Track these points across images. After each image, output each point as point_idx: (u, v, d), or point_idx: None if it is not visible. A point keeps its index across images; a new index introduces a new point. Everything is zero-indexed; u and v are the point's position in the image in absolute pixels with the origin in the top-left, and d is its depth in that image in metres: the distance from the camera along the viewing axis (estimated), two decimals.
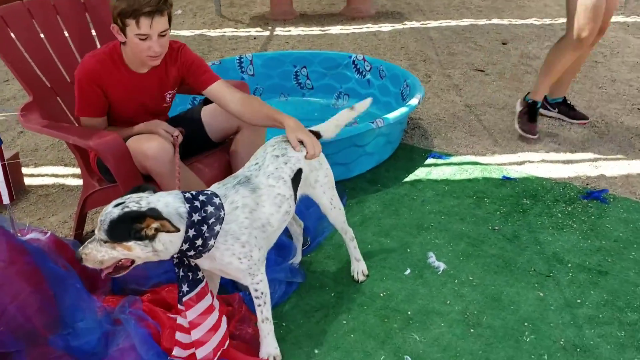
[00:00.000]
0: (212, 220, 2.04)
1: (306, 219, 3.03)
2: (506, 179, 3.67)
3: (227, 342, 2.26)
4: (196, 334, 2.17)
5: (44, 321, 2.39)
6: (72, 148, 2.84)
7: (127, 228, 1.92)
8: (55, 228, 3.28)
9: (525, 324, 2.48)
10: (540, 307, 2.57)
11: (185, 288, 2.14)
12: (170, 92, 2.79)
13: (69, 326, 2.38)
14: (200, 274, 2.17)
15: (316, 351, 2.37)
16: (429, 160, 3.94)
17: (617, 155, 3.95)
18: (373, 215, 3.31)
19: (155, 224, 1.91)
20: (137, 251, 1.96)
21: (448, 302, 2.62)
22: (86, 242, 1.98)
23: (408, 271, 2.83)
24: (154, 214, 1.92)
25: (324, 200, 2.60)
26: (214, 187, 2.23)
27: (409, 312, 2.56)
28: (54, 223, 3.34)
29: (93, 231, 3.16)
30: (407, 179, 3.71)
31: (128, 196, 1.99)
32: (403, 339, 2.42)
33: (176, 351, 2.22)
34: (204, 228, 2.03)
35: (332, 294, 2.69)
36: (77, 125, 2.90)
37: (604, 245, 2.99)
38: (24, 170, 3.87)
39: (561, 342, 2.37)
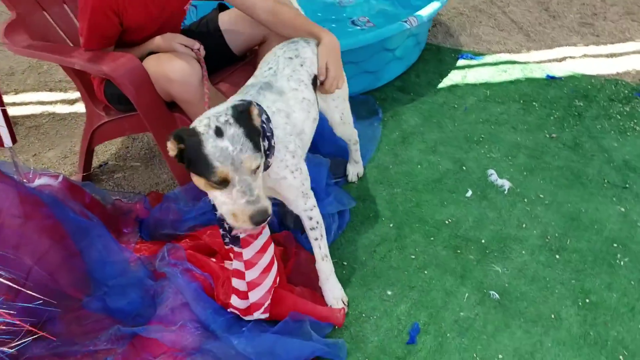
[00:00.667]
0: (268, 129, 1.71)
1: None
2: (550, 78, 3.31)
3: (278, 279, 1.95)
4: (250, 275, 1.86)
5: (72, 280, 2.05)
6: (71, 73, 2.37)
7: (257, 142, 1.56)
8: (56, 165, 2.85)
9: (615, 244, 2.21)
10: (626, 224, 2.30)
11: None
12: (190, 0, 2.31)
13: (102, 284, 2.05)
14: None
15: (389, 292, 2.08)
16: (461, 62, 3.54)
17: None
18: (414, 130, 2.95)
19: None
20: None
21: (524, 225, 2.33)
22: (243, 185, 1.49)
23: (469, 193, 2.52)
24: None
25: (335, 114, 2.27)
26: (235, 98, 1.82)
27: (483, 241, 2.27)
28: (52, 159, 2.91)
29: (100, 167, 2.78)
30: (442, 85, 3.32)
31: (215, 113, 1.55)
32: (483, 272, 2.14)
33: (234, 300, 1.90)
34: (269, 138, 1.70)
35: (391, 225, 2.37)
36: (71, 44, 2.41)
37: None
38: (4, 98, 3.36)
39: None
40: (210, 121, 1.50)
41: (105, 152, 2.93)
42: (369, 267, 2.18)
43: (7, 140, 2.04)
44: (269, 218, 1.50)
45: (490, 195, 2.49)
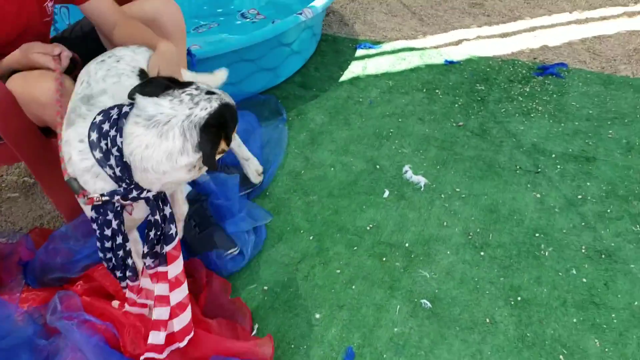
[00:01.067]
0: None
1: (249, 147, 2.47)
2: (449, 63, 3.28)
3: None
4: (177, 296, 1.67)
5: None
6: None
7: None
8: None
9: (537, 234, 2.19)
10: (544, 212, 2.29)
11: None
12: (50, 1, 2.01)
13: None
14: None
15: (317, 315, 1.94)
16: (360, 52, 3.43)
17: (552, 21, 3.67)
18: (322, 129, 2.81)
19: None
20: None
21: (444, 223, 2.26)
22: None
23: (387, 193, 2.41)
24: None
25: None
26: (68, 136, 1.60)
27: (407, 245, 2.18)
28: None
29: None
30: (343, 78, 3.20)
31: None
32: (412, 279, 2.04)
33: (153, 338, 1.68)
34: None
35: (311, 237, 2.23)
36: None
37: (578, 127, 2.74)
38: None
39: (583, 251, 2.11)
40: (202, 101, 1.47)
41: None
42: (292, 289, 2.02)
43: None
44: None
45: (407, 194, 2.40)
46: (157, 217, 1.57)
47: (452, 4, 3.96)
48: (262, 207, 2.32)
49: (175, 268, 1.65)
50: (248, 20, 3.73)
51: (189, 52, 2.58)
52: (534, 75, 3.14)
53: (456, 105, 2.94)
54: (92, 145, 1.49)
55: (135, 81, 1.73)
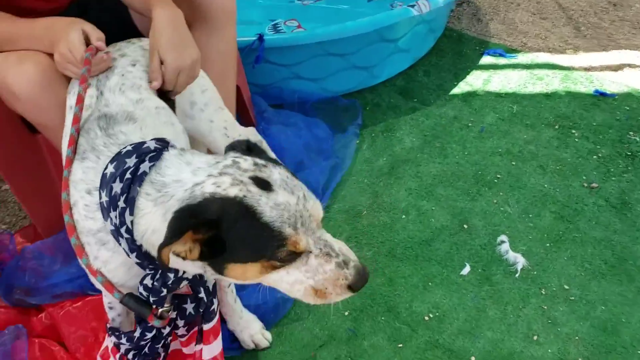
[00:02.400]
0: None
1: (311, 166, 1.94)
2: (599, 94, 2.51)
3: None
4: None
5: None
6: None
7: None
8: None
9: None
10: None
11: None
12: None
13: None
14: None
15: None
16: (487, 59, 2.74)
17: None
18: (408, 157, 2.21)
19: None
20: None
21: (535, 337, 1.61)
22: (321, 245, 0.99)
23: (467, 269, 1.80)
24: None
25: (216, 134, 1.54)
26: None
27: (473, 358, 1.56)
28: None
29: None
30: (456, 90, 2.55)
31: (221, 165, 0.99)
32: None
33: None
34: None
35: (346, 313, 1.69)
36: None
37: None
38: None
39: None
40: (231, 176, 0.95)
41: None
42: None
43: None
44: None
45: (495, 277, 1.77)
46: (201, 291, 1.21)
47: (624, 13, 3.11)
48: None
49: (214, 348, 1.32)
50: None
51: (260, 37, 2.07)
52: None
53: (595, 156, 2.20)
54: (102, 210, 1.03)
55: (157, 100, 1.27)
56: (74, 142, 1.15)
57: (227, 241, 0.93)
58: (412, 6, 2.28)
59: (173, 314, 1.19)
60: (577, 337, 1.61)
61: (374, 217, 1.97)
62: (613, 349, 1.58)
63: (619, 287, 1.74)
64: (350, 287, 0.99)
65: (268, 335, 1.60)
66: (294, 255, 0.97)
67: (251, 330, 1.57)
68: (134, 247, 1.02)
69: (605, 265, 1.80)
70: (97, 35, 1.34)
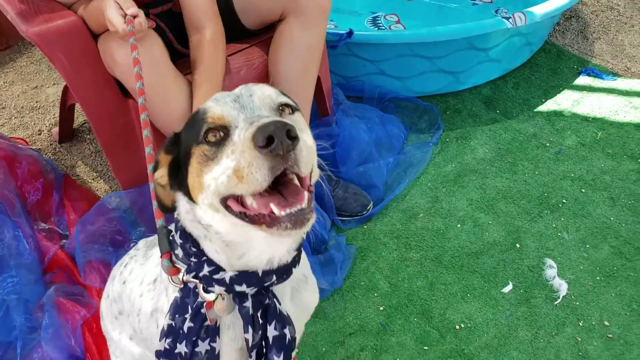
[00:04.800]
0: None
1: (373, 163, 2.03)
2: None
3: None
4: None
5: None
6: None
7: None
8: (47, 105, 2.46)
9: None
10: None
11: None
12: None
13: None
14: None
15: None
16: (582, 80, 2.68)
17: None
18: (477, 167, 2.23)
19: None
20: None
21: None
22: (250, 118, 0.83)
23: (509, 287, 1.83)
24: None
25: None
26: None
27: None
28: (50, 97, 2.53)
29: (85, 126, 2.33)
30: (542, 107, 2.52)
31: None
32: None
33: None
34: None
35: (381, 307, 1.77)
36: None
37: None
38: None
39: None
40: None
41: None
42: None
43: None
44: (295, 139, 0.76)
45: (535, 299, 1.79)
46: (251, 335, 0.98)
47: None
48: (348, 246, 1.90)
49: None
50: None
51: (349, 33, 2.16)
52: None
53: None
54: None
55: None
56: (143, 93, 1.27)
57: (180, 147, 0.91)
58: (508, 18, 2.27)
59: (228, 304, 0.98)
60: None
61: (429, 221, 2.03)
62: None
63: None
64: (259, 146, 0.75)
65: None
66: (223, 138, 0.83)
67: None
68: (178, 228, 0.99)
69: None
70: (126, 5, 1.43)
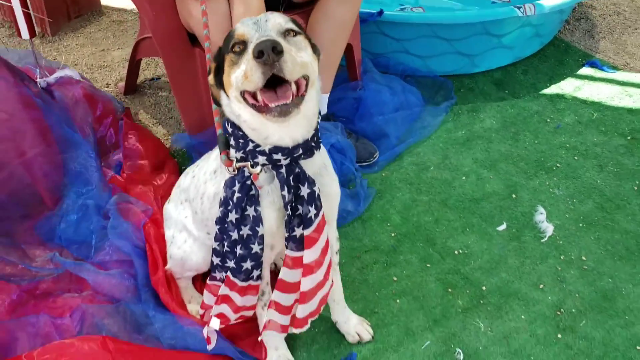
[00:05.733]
0: None
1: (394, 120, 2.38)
2: None
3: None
4: (308, 284, 1.42)
5: (50, 186, 2.05)
6: None
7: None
8: (113, 66, 2.86)
9: (639, 347, 1.77)
10: None
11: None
12: None
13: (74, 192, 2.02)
14: None
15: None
16: (585, 70, 3.00)
17: None
18: (484, 134, 2.56)
19: None
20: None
21: (541, 285, 1.95)
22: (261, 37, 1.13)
23: (503, 226, 2.15)
24: None
25: None
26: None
27: (483, 288, 1.93)
28: (115, 59, 2.92)
29: (152, 80, 2.71)
30: (546, 91, 2.85)
31: None
32: (463, 323, 1.82)
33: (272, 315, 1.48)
34: None
35: (393, 234, 2.10)
36: None
37: None
38: None
39: None
40: None
41: (162, 66, 2.87)
42: (342, 274, 1.95)
43: (24, 33, 2.01)
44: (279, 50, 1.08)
45: (525, 237, 2.11)
46: (287, 193, 1.30)
47: None
48: (367, 189, 2.25)
49: (313, 253, 1.37)
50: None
51: (379, 12, 2.52)
52: None
53: None
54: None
55: None
56: (210, 51, 1.63)
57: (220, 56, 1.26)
58: (519, 8, 2.61)
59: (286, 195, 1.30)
60: (577, 295, 1.92)
61: (438, 173, 2.36)
62: (604, 311, 1.88)
63: (631, 269, 2.01)
64: (255, 57, 1.07)
65: (370, 328, 1.76)
66: (243, 50, 1.16)
67: (354, 320, 1.75)
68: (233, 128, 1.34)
69: (625, 251, 2.08)
70: None
